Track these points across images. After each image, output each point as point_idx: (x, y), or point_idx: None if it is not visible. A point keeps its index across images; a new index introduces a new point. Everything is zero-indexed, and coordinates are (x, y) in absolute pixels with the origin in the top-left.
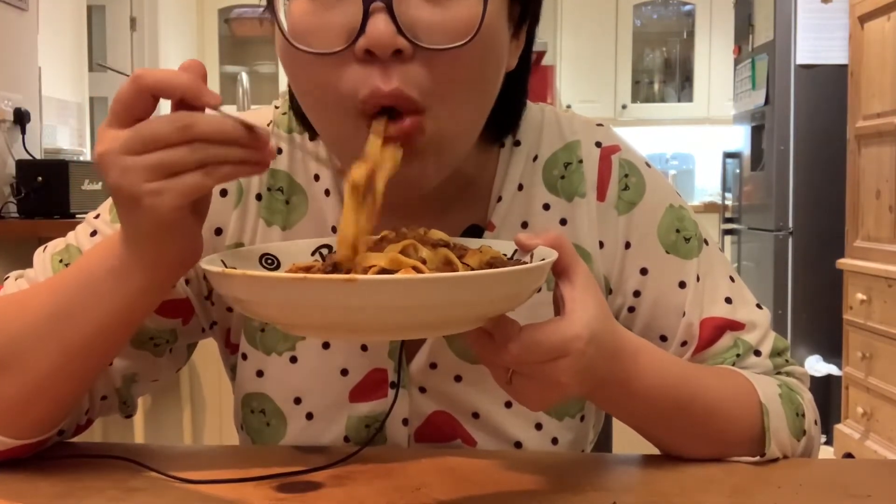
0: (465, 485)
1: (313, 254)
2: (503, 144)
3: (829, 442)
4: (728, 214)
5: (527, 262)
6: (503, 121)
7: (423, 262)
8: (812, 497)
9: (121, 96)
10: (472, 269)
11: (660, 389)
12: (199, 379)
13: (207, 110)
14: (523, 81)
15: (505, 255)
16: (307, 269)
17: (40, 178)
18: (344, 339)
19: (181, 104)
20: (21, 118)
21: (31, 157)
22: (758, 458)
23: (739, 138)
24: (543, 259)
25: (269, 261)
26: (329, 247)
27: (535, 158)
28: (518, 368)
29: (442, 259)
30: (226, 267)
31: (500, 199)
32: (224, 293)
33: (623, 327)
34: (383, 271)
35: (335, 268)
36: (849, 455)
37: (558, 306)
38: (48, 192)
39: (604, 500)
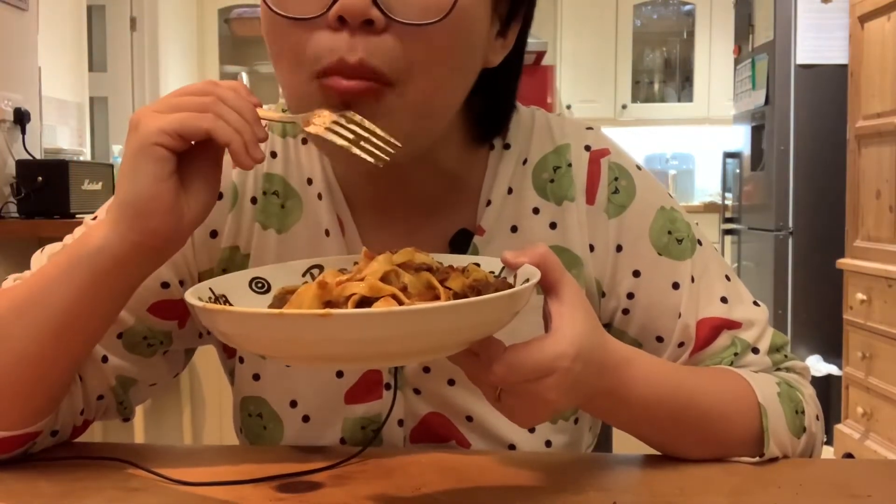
0: (465, 485)
1: (304, 275)
2: (492, 147)
3: (829, 442)
4: (728, 214)
5: (511, 282)
6: (490, 122)
7: (405, 287)
8: (812, 497)
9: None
10: (455, 293)
11: (653, 397)
12: (199, 379)
13: None
14: (512, 83)
15: (492, 272)
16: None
17: (40, 178)
18: (327, 368)
19: None
20: (21, 118)
21: (31, 157)
22: (757, 459)
23: (739, 138)
24: (528, 279)
25: (260, 284)
26: (320, 267)
27: (525, 162)
28: (505, 387)
29: (424, 284)
30: (214, 293)
31: (489, 202)
32: (206, 325)
33: (613, 338)
34: (364, 299)
35: (321, 288)
36: (849, 455)
37: (547, 322)
38: (48, 192)
39: (604, 500)
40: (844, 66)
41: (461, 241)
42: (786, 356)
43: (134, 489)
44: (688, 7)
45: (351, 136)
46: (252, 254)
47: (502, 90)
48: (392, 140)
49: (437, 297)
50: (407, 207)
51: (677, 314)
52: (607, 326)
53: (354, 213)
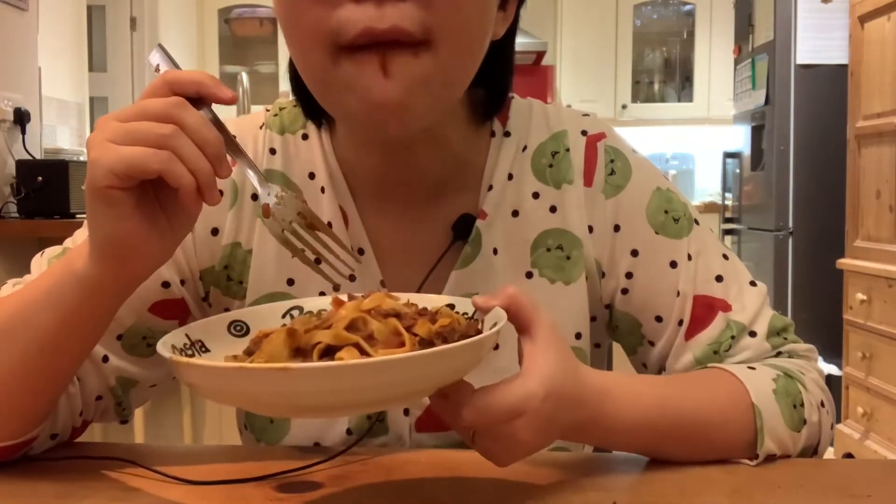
0: (465, 484)
1: (284, 316)
2: (494, 134)
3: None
4: (728, 214)
5: (480, 329)
6: (492, 98)
7: (371, 335)
8: (812, 497)
9: (146, 90)
10: (421, 339)
11: (639, 420)
12: None
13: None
14: (509, 59)
15: (465, 314)
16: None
17: (40, 178)
18: (295, 417)
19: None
20: (21, 118)
21: (31, 157)
22: (755, 462)
23: (739, 138)
24: (495, 323)
25: (238, 328)
26: (300, 308)
27: (524, 149)
28: (476, 430)
29: (391, 330)
30: (189, 339)
31: (490, 187)
32: (176, 376)
33: (591, 369)
34: (329, 348)
35: (290, 336)
36: (849, 455)
37: (521, 361)
38: (48, 192)
39: (604, 500)
40: (844, 66)
41: (464, 226)
42: (785, 339)
43: (134, 489)
44: (688, 7)
45: (309, 242)
46: (254, 249)
47: (501, 64)
48: (353, 256)
49: (403, 344)
50: (411, 193)
51: (676, 293)
52: (608, 307)
53: (358, 203)
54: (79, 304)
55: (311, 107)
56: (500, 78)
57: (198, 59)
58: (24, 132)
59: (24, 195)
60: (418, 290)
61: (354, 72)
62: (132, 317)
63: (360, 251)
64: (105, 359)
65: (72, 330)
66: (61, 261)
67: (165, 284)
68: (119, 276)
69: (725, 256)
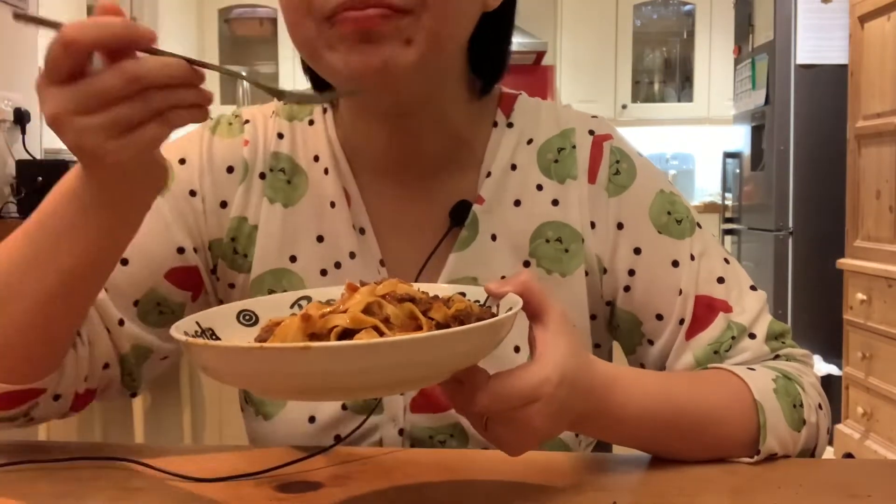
0: (465, 485)
1: (292, 307)
2: (496, 124)
3: (829, 442)
4: (728, 214)
5: (495, 312)
6: (490, 67)
7: (387, 318)
8: (812, 497)
9: (54, 55)
10: (437, 324)
11: (644, 412)
12: (199, 379)
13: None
14: (508, 28)
15: (477, 301)
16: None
17: (40, 178)
18: (309, 401)
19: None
20: (21, 118)
21: (31, 157)
22: (756, 458)
23: (739, 138)
24: (510, 308)
25: (248, 317)
26: (308, 298)
27: (530, 142)
28: (490, 416)
29: (407, 314)
30: (200, 327)
31: (489, 174)
32: (190, 360)
33: (599, 359)
34: (346, 331)
35: (305, 321)
36: (849, 455)
37: (532, 348)
38: (48, 192)
39: (604, 500)
40: (844, 66)
41: (461, 212)
42: (783, 343)
43: (135, 489)
44: (688, 7)
45: None
46: (260, 225)
47: (498, 33)
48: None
49: (419, 328)
50: (411, 172)
51: (677, 291)
52: (609, 304)
53: (359, 183)
54: (92, 247)
55: (316, 79)
56: (497, 50)
57: (198, 58)
58: (24, 132)
59: (23, 195)
60: (421, 271)
61: (337, 41)
62: (149, 282)
63: (361, 230)
64: (121, 322)
65: (83, 272)
66: (70, 213)
67: (180, 250)
68: (132, 216)
69: (727, 261)
